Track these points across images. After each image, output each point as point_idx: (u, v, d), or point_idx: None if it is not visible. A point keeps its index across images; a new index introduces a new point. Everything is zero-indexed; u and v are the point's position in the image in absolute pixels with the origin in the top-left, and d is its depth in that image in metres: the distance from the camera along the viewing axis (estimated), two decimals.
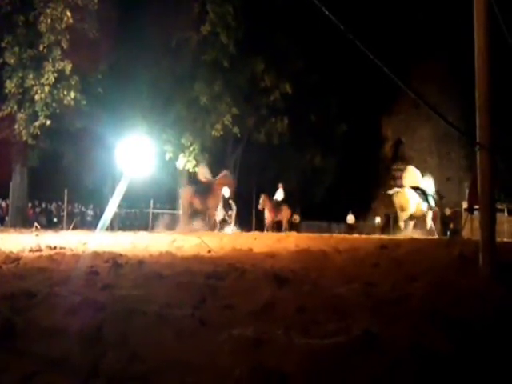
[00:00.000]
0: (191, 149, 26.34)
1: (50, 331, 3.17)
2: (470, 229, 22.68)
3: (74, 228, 20.49)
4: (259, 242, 10.81)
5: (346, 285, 4.51)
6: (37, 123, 21.10)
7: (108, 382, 2.37)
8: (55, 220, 30.75)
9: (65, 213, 26.79)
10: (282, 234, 19.17)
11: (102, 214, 21.41)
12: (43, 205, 30.98)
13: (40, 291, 3.92)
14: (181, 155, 26.28)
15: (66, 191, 25.06)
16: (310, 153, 33.21)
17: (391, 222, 33.77)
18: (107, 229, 18.42)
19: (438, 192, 28.30)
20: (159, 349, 2.65)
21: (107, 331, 2.97)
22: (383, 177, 40.81)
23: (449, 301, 3.96)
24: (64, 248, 8.86)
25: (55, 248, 8.79)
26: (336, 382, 2.17)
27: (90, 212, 31.63)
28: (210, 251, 8.52)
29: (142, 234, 16.62)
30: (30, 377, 2.58)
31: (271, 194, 27.78)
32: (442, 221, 30.70)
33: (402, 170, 41.83)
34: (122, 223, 29.53)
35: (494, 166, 5.71)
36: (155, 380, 2.34)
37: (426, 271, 5.75)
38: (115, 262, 6.09)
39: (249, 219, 32.00)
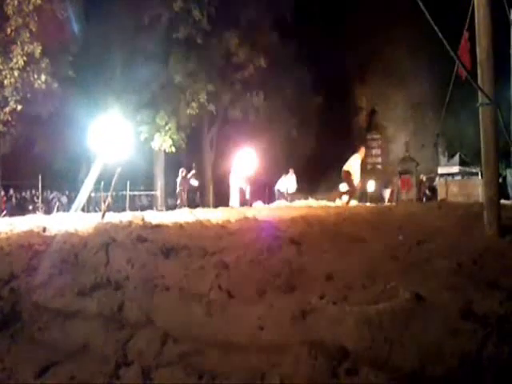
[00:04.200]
0: (167, 128, 25.90)
1: (61, 314, 2.95)
2: (446, 193, 22.86)
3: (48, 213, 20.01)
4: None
5: (362, 247, 4.36)
6: (7, 109, 20.44)
7: (142, 370, 2.14)
8: (30, 207, 30.12)
9: (39, 199, 26.26)
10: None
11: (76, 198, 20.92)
12: (17, 193, 30.35)
13: None
14: (156, 135, 25.83)
15: (40, 177, 24.51)
16: (286, 126, 32.96)
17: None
18: (83, 211, 18.04)
19: (413, 159, 28.32)
20: (192, 327, 2.45)
21: (129, 310, 2.76)
22: (359, 147, 40.74)
23: (469, 260, 3.83)
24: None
25: None
26: (398, 351, 2.00)
27: (65, 198, 31.03)
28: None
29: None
30: (46, 369, 2.36)
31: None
32: (419, 187, 30.78)
33: (377, 140, 42.03)
34: (98, 207, 29.02)
35: (496, 122, 5.57)
36: (195, 363, 2.12)
37: (431, 233, 5.61)
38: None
39: (227, 195, 31.77)
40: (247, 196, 24.69)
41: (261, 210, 11.89)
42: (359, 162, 17.39)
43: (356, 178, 17.29)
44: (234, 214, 10.13)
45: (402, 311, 2.22)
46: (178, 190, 23.99)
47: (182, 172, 23.95)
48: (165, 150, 26.61)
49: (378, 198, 30.10)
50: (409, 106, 36.27)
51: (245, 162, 23.72)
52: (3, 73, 19.68)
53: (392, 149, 37.84)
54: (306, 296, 2.68)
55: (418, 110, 35.98)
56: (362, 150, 17.86)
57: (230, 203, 23.67)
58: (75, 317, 2.85)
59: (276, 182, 27.99)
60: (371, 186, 31.79)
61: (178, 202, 23.53)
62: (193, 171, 24.56)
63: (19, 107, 20.30)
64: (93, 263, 3.95)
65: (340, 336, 2.04)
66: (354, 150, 18.28)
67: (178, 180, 24.01)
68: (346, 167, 17.18)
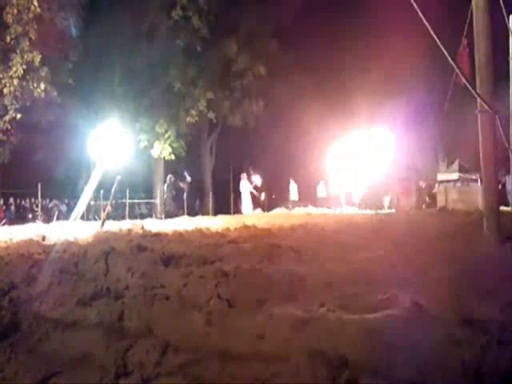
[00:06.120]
0: (166, 136, 25.86)
1: (60, 324, 2.94)
2: (445, 200, 22.83)
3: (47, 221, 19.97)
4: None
5: (362, 255, 4.35)
6: (6, 117, 20.39)
7: (142, 380, 2.13)
8: (30, 216, 30.05)
9: (39, 208, 26.18)
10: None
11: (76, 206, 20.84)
12: (17, 201, 30.31)
13: None
14: (156, 143, 25.81)
15: (39, 186, 24.43)
16: (285, 134, 32.97)
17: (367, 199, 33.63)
18: (82, 219, 18.02)
19: (412, 166, 28.25)
20: (192, 336, 2.44)
21: (129, 320, 2.76)
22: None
23: (469, 267, 3.81)
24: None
25: None
26: (399, 359, 1.99)
27: (64, 206, 30.95)
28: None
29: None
30: (46, 379, 2.35)
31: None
32: (418, 194, 30.63)
33: None
34: (98, 215, 28.94)
35: (495, 129, 5.58)
36: (196, 373, 2.12)
37: (431, 240, 5.60)
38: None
39: (226, 203, 31.72)
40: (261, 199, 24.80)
41: (260, 218, 11.89)
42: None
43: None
44: (233, 222, 10.14)
45: (401, 319, 2.21)
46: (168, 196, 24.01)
47: (169, 178, 24.00)
48: (164, 158, 26.58)
49: (377, 205, 30.01)
50: (408, 112, 36.09)
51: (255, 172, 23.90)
52: (3, 81, 19.68)
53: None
54: (305, 305, 2.68)
55: (418, 116, 35.84)
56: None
57: (243, 210, 23.71)
58: (75, 327, 2.84)
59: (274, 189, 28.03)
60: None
61: (171, 209, 23.50)
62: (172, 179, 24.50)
63: (19, 116, 20.28)
64: (92, 272, 3.95)
65: (340, 345, 2.04)
66: None
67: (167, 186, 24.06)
68: None
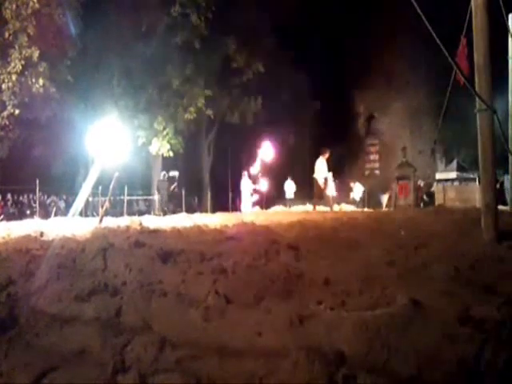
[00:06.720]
0: (164, 133, 25.85)
1: (58, 319, 2.94)
2: (443, 198, 22.94)
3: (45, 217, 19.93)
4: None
5: (360, 252, 4.36)
6: (5, 113, 20.38)
7: (139, 376, 2.13)
8: (28, 212, 29.98)
9: (37, 204, 26.14)
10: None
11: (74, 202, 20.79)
12: (15, 197, 30.24)
13: None
14: (154, 140, 25.79)
15: (37, 182, 24.39)
16: (284, 131, 32.97)
17: (366, 197, 33.77)
18: (80, 215, 17.97)
19: (411, 164, 28.27)
20: (190, 332, 2.45)
21: (127, 316, 2.76)
22: (357, 152, 40.78)
23: (466, 265, 3.82)
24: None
25: None
26: (396, 356, 2.00)
27: (62, 202, 30.89)
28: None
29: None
30: (43, 375, 2.34)
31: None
32: (416, 192, 30.69)
33: (375, 145, 42.12)
34: (96, 211, 28.92)
35: (493, 128, 5.58)
36: (193, 369, 2.12)
37: (429, 238, 5.60)
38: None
39: (225, 200, 31.73)
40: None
41: (258, 215, 11.89)
42: (324, 163, 18.13)
43: (322, 179, 17.94)
44: (231, 219, 10.14)
45: (399, 317, 2.21)
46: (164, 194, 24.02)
47: (163, 175, 24.03)
48: (162, 155, 26.57)
49: (375, 203, 30.05)
50: (407, 111, 36.12)
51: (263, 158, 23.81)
52: (1, 77, 19.65)
53: (390, 154, 37.76)
54: (303, 301, 2.68)
55: (416, 115, 35.86)
56: (325, 152, 18.60)
57: (242, 208, 23.67)
58: (72, 322, 2.84)
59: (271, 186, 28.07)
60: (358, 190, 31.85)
61: (168, 206, 23.48)
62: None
63: (17, 111, 20.26)
64: (90, 268, 3.95)
65: (338, 341, 2.04)
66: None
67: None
68: (314, 175, 17.97)
